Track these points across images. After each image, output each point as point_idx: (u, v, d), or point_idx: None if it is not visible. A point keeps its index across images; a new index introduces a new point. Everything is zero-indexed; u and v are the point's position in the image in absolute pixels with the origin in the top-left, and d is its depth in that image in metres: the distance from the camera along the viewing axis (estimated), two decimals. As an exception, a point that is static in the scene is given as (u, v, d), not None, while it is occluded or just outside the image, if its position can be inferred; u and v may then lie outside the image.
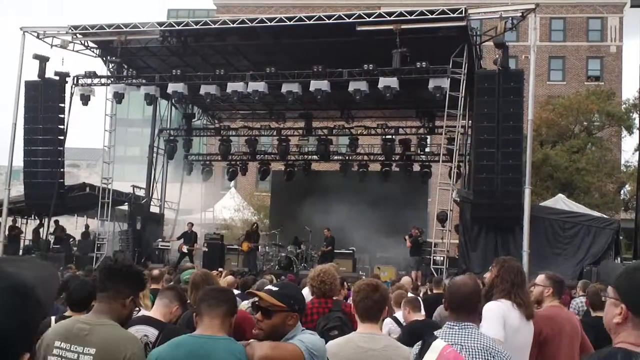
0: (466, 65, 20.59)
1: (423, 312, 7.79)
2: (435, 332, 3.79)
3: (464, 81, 20.48)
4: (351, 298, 4.69)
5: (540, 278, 5.77)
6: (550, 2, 47.87)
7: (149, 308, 5.83)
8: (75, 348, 3.42)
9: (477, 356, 3.63)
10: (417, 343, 3.82)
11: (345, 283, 7.86)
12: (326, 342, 3.97)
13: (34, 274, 1.55)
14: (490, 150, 19.79)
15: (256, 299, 3.75)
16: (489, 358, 3.65)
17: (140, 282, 3.95)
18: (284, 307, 3.63)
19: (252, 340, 3.56)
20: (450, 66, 20.49)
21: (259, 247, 24.95)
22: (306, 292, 6.56)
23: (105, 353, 3.48)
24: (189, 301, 5.68)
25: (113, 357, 3.50)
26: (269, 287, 3.91)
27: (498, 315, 4.66)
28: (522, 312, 4.82)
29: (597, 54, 50.36)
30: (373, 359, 4.25)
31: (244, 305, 6.40)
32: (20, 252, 25.21)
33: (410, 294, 8.06)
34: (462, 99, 20.70)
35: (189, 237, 24.64)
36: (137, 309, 4.05)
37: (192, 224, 25.71)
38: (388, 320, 7.34)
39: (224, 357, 3.35)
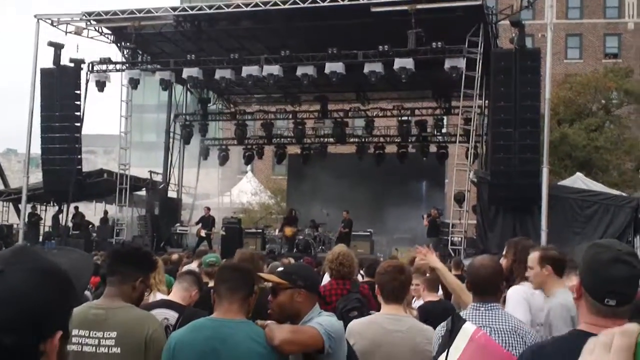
0: (482, 44, 20.44)
1: (440, 292, 7.77)
2: (461, 314, 3.76)
3: (480, 61, 20.33)
4: (375, 279, 4.69)
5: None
6: (566, -21, 47.38)
7: (165, 293, 5.88)
8: (95, 334, 3.44)
9: (506, 338, 3.60)
10: (441, 325, 3.80)
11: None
12: (345, 323, 3.98)
13: (69, 262, 1.64)
14: (508, 130, 19.67)
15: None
16: (518, 339, 3.62)
17: (149, 264, 4.01)
18: (286, 284, 3.67)
19: (270, 322, 3.57)
20: (466, 46, 20.34)
21: (305, 230, 24.43)
22: (326, 275, 6.58)
23: (127, 334, 3.51)
24: None
25: (136, 337, 3.54)
26: (279, 268, 3.97)
27: (521, 300, 4.61)
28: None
29: (614, 31, 49.76)
30: (398, 340, 4.26)
31: None
32: (40, 238, 25.44)
33: (428, 275, 8.03)
34: (479, 78, 20.56)
35: (207, 221, 24.76)
36: (148, 290, 4.10)
37: (209, 209, 25.81)
38: None
39: (244, 340, 3.36)
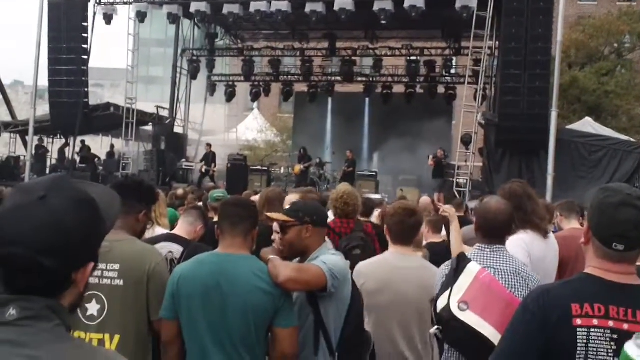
0: (495, -17, 20.08)
1: (444, 232, 7.82)
2: (466, 254, 3.78)
3: (492, 1, 19.98)
4: (385, 220, 4.71)
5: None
6: None
7: (167, 227, 5.91)
8: (98, 265, 3.46)
9: (509, 279, 3.62)
10: (445, 264, 3.82)
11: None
12: (348, 261, 4.01)
13: (97, 196, 1.69)
14: (517, 72, 19.44)
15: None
16: (521, 281, 3.64)
17: (152, 197, 4.08)
18: (293, 221, 3.73)
19: (273, 256, 3.60)
20: (479, -16, 20.00)
21: (310, 168, 24.56)
22: (330, 213, 6.62)
23: (129, 267, 3.56)
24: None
25: (137, 269, 3.59)
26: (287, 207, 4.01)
27: (522, 251, 4.56)
28: (542, 235, 4.77)
29: (630, -27, 48.72)
30: (407, 277, 4.30)
31: None
32: (47, 170, 25.56)
33: (433, 215, 8.07)
34: (490, 19, 20.25)
35: (207, 157, 24.91)
36: (151, 222, 4.14)
37: (210, 145, 25.84)
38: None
39: (247, 275, 3.40)
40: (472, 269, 3.51)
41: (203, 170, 24.42)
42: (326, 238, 3.92)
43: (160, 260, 3.74)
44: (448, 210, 6.00)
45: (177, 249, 4.75)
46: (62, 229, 1.50)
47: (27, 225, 1.48)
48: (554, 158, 18.80)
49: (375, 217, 8.29)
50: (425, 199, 11.63)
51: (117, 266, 3.53)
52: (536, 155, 19.95)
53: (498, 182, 19.91)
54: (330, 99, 29.82)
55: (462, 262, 3.58)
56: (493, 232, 3.81)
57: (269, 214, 3.98)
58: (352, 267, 4.15)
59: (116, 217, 1.82)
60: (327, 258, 3.62)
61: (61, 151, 26.61)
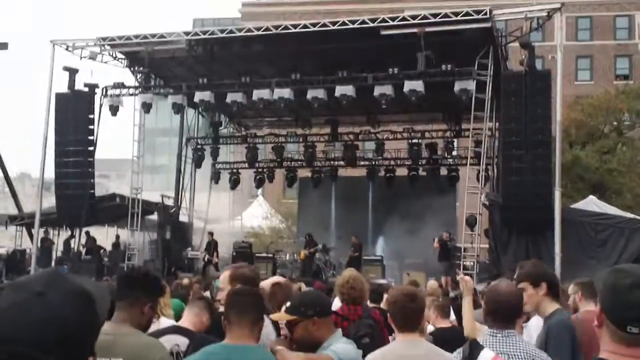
0: (492, 66, 20.42)
1: (453, 317, 7.72)
2: (478, 340, 3.71)
3: (490, 83, 20.31)
4: (387, 308, 4.64)
5: (570, 288, 5.77)
6: (576, 0, 47.45)
7: (171, 317, 5.85)
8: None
9: None
10: (457, 351, 3.75)
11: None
12: (361, 351, 3.95)
13: (92, 289, 1.67)
14: (519, 152, 19.59)
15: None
16: None
17: (158, 289, 3.98)
18: (296, 319, 3.69)
19: (280, 347, 3.55)
20: (476, 68, 20.31)
21: (316, 254, 24.56)
22: (337, 299, 6.55)
23: None
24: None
25: None
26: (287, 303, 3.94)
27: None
28: None
29: (625, 52, 49.84)
30: None
31: None
32: (53, 263, 25.48)
33: (441, 299, 7.99)
34: (489, 100, 20.53)
35: (210, 246, 24.93)
36: (157, 315, 4.07)
37: (212, 234, 25.90)
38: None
39: (256, 367, 3.35)
40: (485, 357, 3.44)
41: (205, 259, 24.42)
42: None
43: (164, 355, 3.65)
44: (467, 281, 5.96)
45: (183, 342, 4.69)
46: (62, 324, 1.48)
47: (26, 322, 1.46)
48: (560, 238, 18.72)
49: (384, 302, 8.22)
50: (432, 283, 11.55)
51: None
52: (542, 235, 19.86)
53: (505, 263, 19.79)
54: (333, 184, 29.93)
55: (474, 349, 3.52)
56: (504, 316, 3.76)
57: (272, 317, 3.94)
58: (363, 357, 4.07)
59: (106, 311, 1.80)
60: (339, 347, 3.57)
61: (66, 243, 26.58)
